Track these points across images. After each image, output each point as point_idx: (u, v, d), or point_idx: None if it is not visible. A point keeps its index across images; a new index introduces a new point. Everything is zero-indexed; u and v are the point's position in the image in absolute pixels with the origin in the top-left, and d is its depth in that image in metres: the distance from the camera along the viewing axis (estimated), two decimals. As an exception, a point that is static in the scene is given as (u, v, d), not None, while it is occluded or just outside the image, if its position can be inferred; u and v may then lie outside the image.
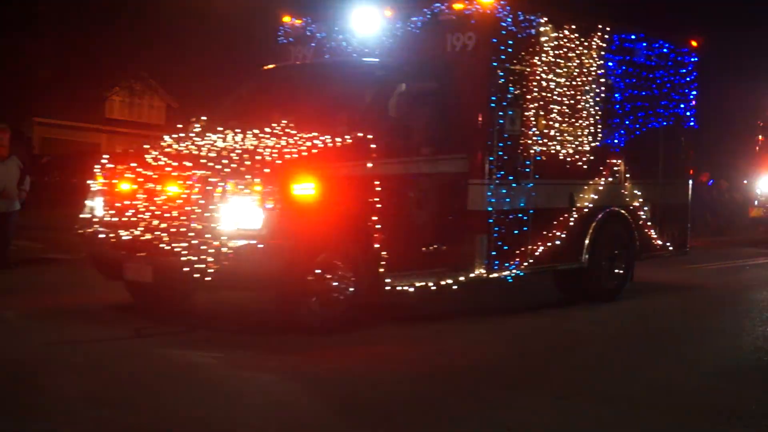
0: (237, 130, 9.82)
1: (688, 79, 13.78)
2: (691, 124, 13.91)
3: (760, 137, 23.56)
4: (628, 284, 12.74)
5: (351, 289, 9.44)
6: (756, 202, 23.38)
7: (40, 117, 36.87)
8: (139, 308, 10.10)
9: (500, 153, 10.75)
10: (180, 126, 10.36)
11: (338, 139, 9.43)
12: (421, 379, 7.79)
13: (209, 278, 8.69)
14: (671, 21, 14.86)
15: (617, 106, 12.52)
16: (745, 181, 26.12)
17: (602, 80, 12.21)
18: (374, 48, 11.26)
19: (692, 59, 13.84)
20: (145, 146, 10.10)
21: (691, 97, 13.86)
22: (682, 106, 13.67)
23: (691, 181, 14.13)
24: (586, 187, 12.06)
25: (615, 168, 12.50)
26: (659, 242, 13.30)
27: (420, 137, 10.24)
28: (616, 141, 12.52)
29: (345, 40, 11.54)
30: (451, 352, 9.02)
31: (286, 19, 12.15)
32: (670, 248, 13.52)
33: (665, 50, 13.31)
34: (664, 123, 13.33)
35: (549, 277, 12.47)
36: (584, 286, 12.30)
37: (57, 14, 27.65)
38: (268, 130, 9.63)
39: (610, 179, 12.43)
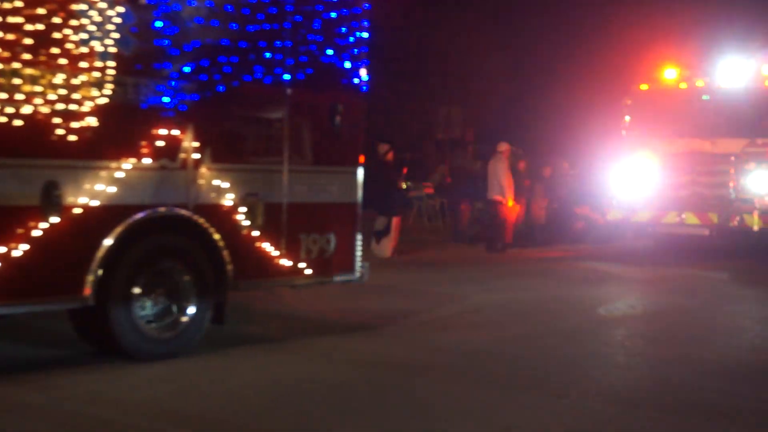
0: None
1: (345, 12, 8.96)
2: (357, 82, 9.10)
3: (628, 118, 18.23)
4: (203, 332, 7.94)
5: None
6: (614, 202, 18.05)
7: None
8: None
9: None
10: None
11: None
12: None
13: None
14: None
15: (167, 43, 7.68)
16: (571, 171, 21.12)
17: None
18: None
19: (357, -18, 9.05)
20: None
21: (353, 40, 9.03)
22: (330, 52, 8.83)
23: (360, 171, 9.29)
24: (103, 174, 7.26)
25: (172, 144, 7.69)
26: (285, 263, 8.48)
27: None
28: (169, 99, 7.69)
29: None
30: None
31: None
32: (307, 272, 8.67)
33: (290, -36, 8.49)
34: (290, 76, 8.50)
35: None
36: (106, 335, 7.51)
37: None
38: None
39: (161, 162, 7.62)
